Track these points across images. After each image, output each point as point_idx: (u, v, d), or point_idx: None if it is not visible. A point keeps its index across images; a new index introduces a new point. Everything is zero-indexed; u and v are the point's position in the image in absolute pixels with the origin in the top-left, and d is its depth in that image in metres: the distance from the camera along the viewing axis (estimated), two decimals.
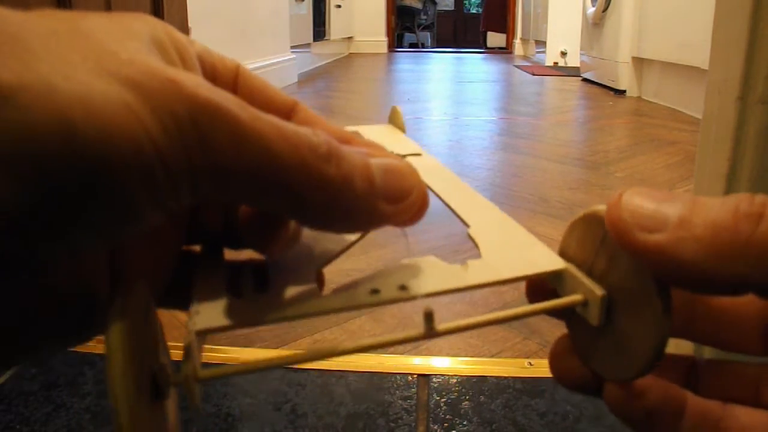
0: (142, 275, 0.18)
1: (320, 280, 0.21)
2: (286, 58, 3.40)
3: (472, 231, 0.23)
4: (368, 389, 0.71)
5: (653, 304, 0.17)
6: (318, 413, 0.67)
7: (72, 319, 0.17)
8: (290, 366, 0.74)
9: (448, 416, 0.67)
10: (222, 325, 0.18)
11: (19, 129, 0.12)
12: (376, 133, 0.37)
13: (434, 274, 0.20)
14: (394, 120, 0.39)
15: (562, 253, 0.21)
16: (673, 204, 0.16)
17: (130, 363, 0.14)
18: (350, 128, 0.38)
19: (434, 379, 0.73)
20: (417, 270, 0.20)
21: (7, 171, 0.12)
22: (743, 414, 0.19)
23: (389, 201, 0.18)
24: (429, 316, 0.18)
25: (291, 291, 0.20)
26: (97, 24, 0.15)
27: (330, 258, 0.22)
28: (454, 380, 0.72)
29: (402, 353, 0.78)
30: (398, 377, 0.73)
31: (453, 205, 0.26)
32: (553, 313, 0.20)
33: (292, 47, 3.57)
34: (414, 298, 0.19)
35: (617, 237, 0.17)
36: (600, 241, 0.19)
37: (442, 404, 0.69)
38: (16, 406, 0.67)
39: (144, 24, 0.17)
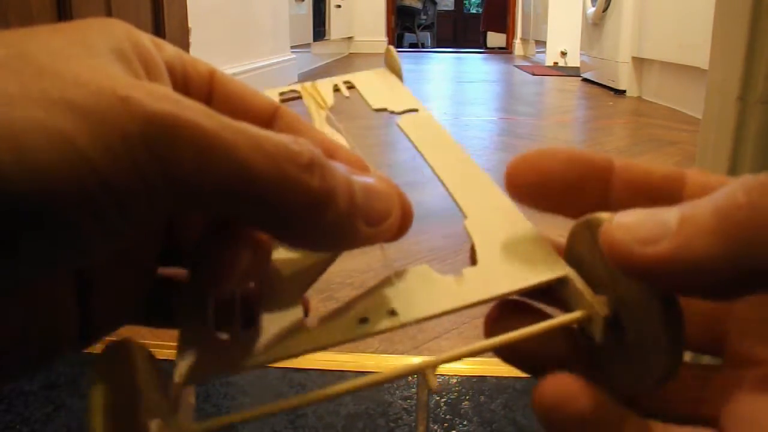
0: (112, 298, 0.18)
1: (305, 305, 0.20)
2: (286, 58, 3.40)
3: (468, 224, 0.21)
4: (368, 389, 0.71)
5: (661, 312, 0.16)
6: (318, 413, 0.67)
7: (31, 353, 0.16)
8: (290, 366, 0.74)
9: (448, 416, 0.67)
10: (211, 374, 0.17)
11: None
12: (370, 80, 0.35)
13: (426, 291, 0.19)
14: (390, 63, 0.36)
15: (569, 252, 0.19)
16: (669, 208, 0.15)
17: (111, 425, 0.14)
18: (343, 77, 0.36)
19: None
20: (407, 288, 0.19)
21: None
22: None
23: (368, 223, 0.17)
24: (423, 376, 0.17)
25: (278, 324, 0.19)
26: (45, 44, 0.14)
27: (312, 280, 0.21)
28: (454, 380, 0.72)
29: (402, 353, 0.78)
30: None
31: (451, 189, 0.24)
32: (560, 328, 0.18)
33: (292, 47, 3.57)
34: (404, 325, 0.18)
35: (616, 262, 0.15)
36: (600, 253, 0.17)
37: (442, 404, 0.69)
38: (16, 406, 0.67)
39: (103, 34, 0.16)
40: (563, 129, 2.40)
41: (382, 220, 0.17)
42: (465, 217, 0.22)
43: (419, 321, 0.18)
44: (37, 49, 0.14)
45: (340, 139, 0.29)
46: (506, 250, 0.20)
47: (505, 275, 0.19)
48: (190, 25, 1.77)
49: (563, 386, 0.16)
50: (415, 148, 0.27)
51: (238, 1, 2.70)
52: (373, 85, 0.35)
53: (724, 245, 0.13)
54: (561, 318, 0.18)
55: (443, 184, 0.24)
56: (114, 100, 0.13)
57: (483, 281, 0.19)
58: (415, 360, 0.18)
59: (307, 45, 4.18)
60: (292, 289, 0.20)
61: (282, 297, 0.20)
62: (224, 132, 0.14)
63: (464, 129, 2.32)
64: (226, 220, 0.17)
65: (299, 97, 0.34)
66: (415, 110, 0.31)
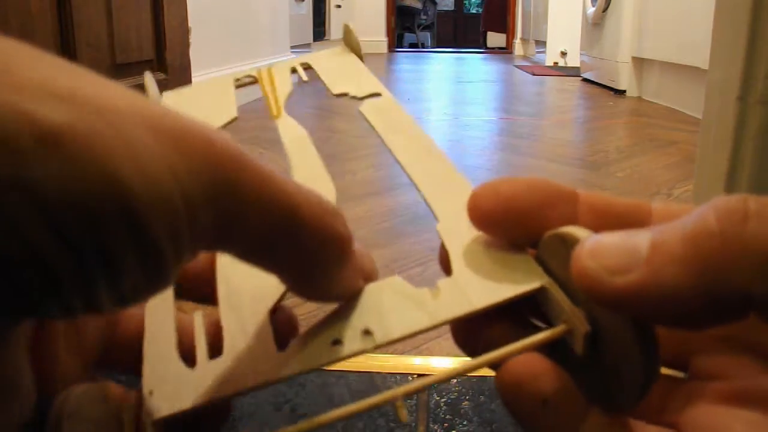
0: (69, 356, 0.18)
1: (290, 321, 0.20)
2: (286, 58, 3.40)
3: (441, 228, 0.21)
4: (368, 389, 0.71)
5: (634, 350, 0.15)
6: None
7: None
8: None
9: (448, 416, 0.67)
10: (179, 409, 0.17)
11: (66, 179, 0.11)
12: (329, 61, 0.33)
13: (401, 308, 0.18)
14: (349, 41, 0.34)
15: (540, 263, 0.18)
16: (641, 232, 0.14)
17: None
18: (301, 58, 0.35)
19: None
20: (381, 305, 0.18)
21: (49, 222, 0.11)
22: (650, 430, 0.17)
23: (363, 278, 0.19)
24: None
25: (247, 350, 0.18)
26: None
27: (276, 300, 0.20)
28: (454, 380, 0.72)
29: (402, 353, 0.78)
30: (398, 377, 0.73)
31: (422, 188, 0.23)
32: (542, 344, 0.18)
33: (292, 47, 3.57)
34: (378, 346, 0.18)
35: (587, 291, 0.15)
36: (566, 263, 0.17)
37: (442, 404, 0.69)
38: None
39: None
40: (563, 129, 2.40)
41: (371, 277, 0.19)
42: (437, 220, 0.21)
43: (394, 341, 0.18)
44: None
45: (302, 135, 0.28)
46: (481, 257, 0.19)
47: (481, 288, 0.18)
48: (190, 25, 1.76)
49: (527, 365, 0.17)
50: (380, 137, 0.27)
51: (238, 1, 2.70)
52: (333, 67, 0.33)
53: (695, 276, 0.13)
54: (544, 334, 0.17)
55: (409, 177, 0.24)
56: (200, 137, 0.13)
57: (459, 295, 0.18)
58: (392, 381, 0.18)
59: (307, 45, 4.18)
60: (257, 310, 0.20)
61: (249, 320, 0.19)
62: (281, 179, 0.15)
63: (464, 129, 2.32)
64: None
65: (254, 83, 0.33)
66: (378, 95, 0.29)
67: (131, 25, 1.41)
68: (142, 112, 0.13)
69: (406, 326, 0.18)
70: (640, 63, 3.15)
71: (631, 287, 0.14)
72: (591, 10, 3.58)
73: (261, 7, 3.01)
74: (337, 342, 0.18)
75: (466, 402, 0.69)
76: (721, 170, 0.52)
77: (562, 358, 0.18)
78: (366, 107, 0.29)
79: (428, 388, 0.18)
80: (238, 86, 0.33)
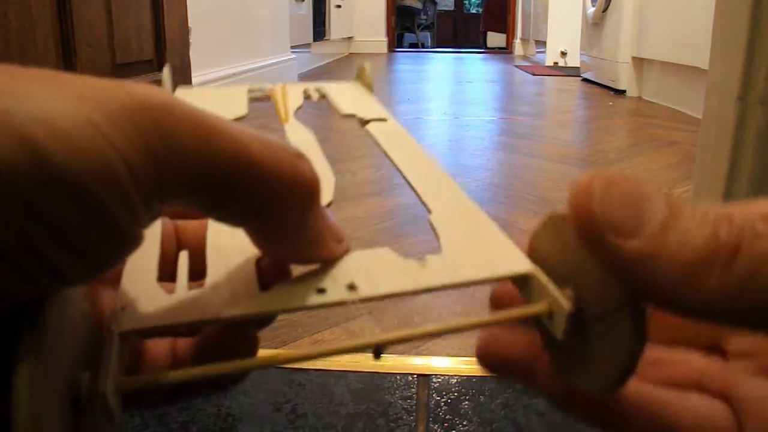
0: None
1: (268, 264, 0.20)
2: (286, 58, 3.40)
3: (433, 218, 0.21)
4: (368, 389, 0.71)
5: (623, 318, 0.15)
6: (318, 413, 0.67)
7: None
8: (285, 366, 0.74)
9: (448, 416, 0.67)
10: (149, 326, 0.17)
11: None
12: (343, 91, 0.35)
13: (387, 271, 0.18)
14: (362, 78, 0.37)
15: (532, 253, 0.19)
16: (652, 206, 0.14)
17: (39, 399, 0.13)
18: (315, 84, 0.37)
19: (434, 379, 0.73)
20: (369, 266, 0.19)
21: None
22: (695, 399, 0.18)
23: (335, 240, 0.19)
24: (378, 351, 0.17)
25: (229, 284, 0.18)
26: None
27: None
28: (454, 380, 0.72)
29: (402, 353, 0.78)
30: (398, 377, 0.73)
31: (417, 187, 0.24)
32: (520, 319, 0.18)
33: (292, 47, 3.57)
34: (362, 300, 0.18)
35: (586, 236, 0.15)
36: (567, 243, 0.17)
37: (442, 404, 0.69)
38: None
39: None
40: (563, 129, 2.40)
41: (342, 240, 0.19)
42: (429, 212, 0.22)
43: (378, 298, 0.18)
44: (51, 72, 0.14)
45: (309, 138, 0.30)
46: (470, 244, 0.20)
47: (468, 265, 0.19)
48: (190, 25, 1.76)
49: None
50: (383, 150, 0.28)
51: (238, 1, 2.70)
52: (345, 95, 0.35)
53: (687, 281, 0.13)
54: (525, 308, 0.18)
55: (408, 183, 0.24)
56: (123, 94, 0.13)
57: (445, 268, 0.18)
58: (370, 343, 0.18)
59: (307, 45, 4.18)
60: (244, 255, 0.20)
61: (234, 256, 0.19)
62: (221, 121, 0.15)
63: (464, 129, 2.32)
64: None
65: (268, 98, 0.35)
66: (384, 120, 0.31)
67: (131, 25, 1.41)
68: (59, 85, 0.13)
69: (393, 286, 0.18)
70: (640, 63, 3.15)
71: (631, 254, 0.14)
72: (591, 10, 3.58)
73: (261, 7, 3.01)
74: (322, 291, 0.18)
75: (466, 402, 0.69)
76: (721, 170, 0.52)
77: (546, 344, 0.18)
78: (372, 127, 0.30)
79: (409, 339, 0.18)
80: (251, 99, 0.34)
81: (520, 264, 0.19)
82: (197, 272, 0.20)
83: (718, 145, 0.52)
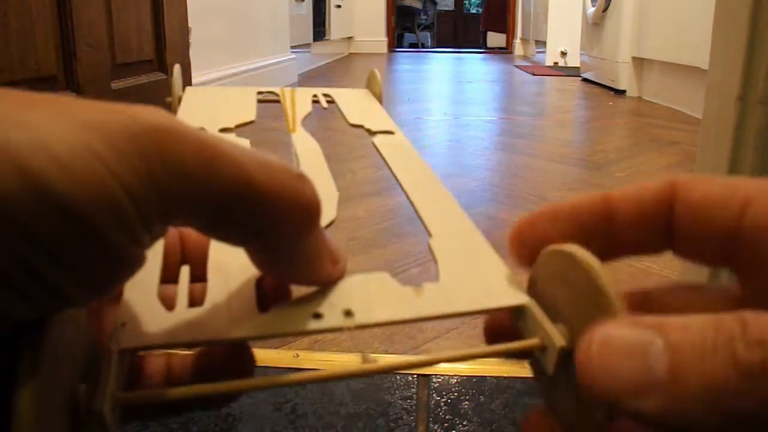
0: None
1: (268, 284, 0.20)
2: (286, 58, 3.40)
3: (433, 243, 0.22)
4: (368, 389, 0.71)
5: None
6: (318, 413, 0.67)
7: None
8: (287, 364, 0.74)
9: (448, 416, 0.67)
10: (149, 344, 0.17)
11: None
12: (351, 99, 0.36)
13: (384, 298, 0.18)
14: (372, 85, 0.37)
15: (531, 285, 0.19)
16: (653, 348, 0.14)
17: (40, 421, 0.13)
18: (324, 90, 0.37)
19: (434, 379, 0.73)
20: (366, 292, 0.19)
21: None
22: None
23: (332, 261, 0.19)
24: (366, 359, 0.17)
25: (228, 305, 0.18)
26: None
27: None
28: (454, 380, 0.72)
29: (402, 353, 0.78)
30: (398, 377, 0.73)
31: (419, 209, 0.24)
32: (513, 353, 0.18)
33: (292, 47, 3.57)
34: (358, 327, 0.18)
35: (603, 399, 0.14)
36: (563, 279, 0.17)
37: (442, 404, 0.69)
38: None
39: None
40: (563, 129, 2.40)
41: (338, 261, 0.19)
42: (430, 236, 0.22)
43: (374, 325, 0.18)
44: (48, 96, 0.14)
45: (314, 148, 0.30)
46: (468, 272, 0.20)
47: (464, 295, 0.19)
48: (190, 25, 1.76)
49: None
50: (387, 165, 0.28)
51: (238, 1, 2.70)
52: (353, 103, 0.35)
53: (718, 418, 0.13)
54: (518, 343, 0.18)
55: (411, 203, 0.25)
56: (125, 118, 0.13)
57: (442, 297, 0.19)
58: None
59: (307, 45, 4.18)
60: (244, 274, 0.20)
61: (235, 274, 0.20)
62: (223, 144, 0.15)
63: (464, 129, 2.32)
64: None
65: (277, 101, 0.35)
66: (391, 132, 0.31)
67: (131, 25, 1.41)
68: (60, 112, 0.13)
69: (388, 314, 0.18)
70: (640, 63, 3.15)
71: (650, 411, 0.13)
72: (591, 10, 3.58)
73: (261, 7, 3.01)
74: (318, 316, 0.18)
75: (466, 402, 0.69)
76: (721, 170, 0.52)
77: (538, 378, 0.18)
78: (378, 140, 0.31)
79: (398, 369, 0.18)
80: (260, 100, 0.35)
81: (516, 296, 0.19)
82: (200, 277, 0.21)
83: (718, 145, 0.52)
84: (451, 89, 3.79)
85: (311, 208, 0.16)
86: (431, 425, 0.65)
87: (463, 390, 0.71)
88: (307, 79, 3.77)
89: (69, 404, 0.15)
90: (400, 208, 1.33)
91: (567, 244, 0.17)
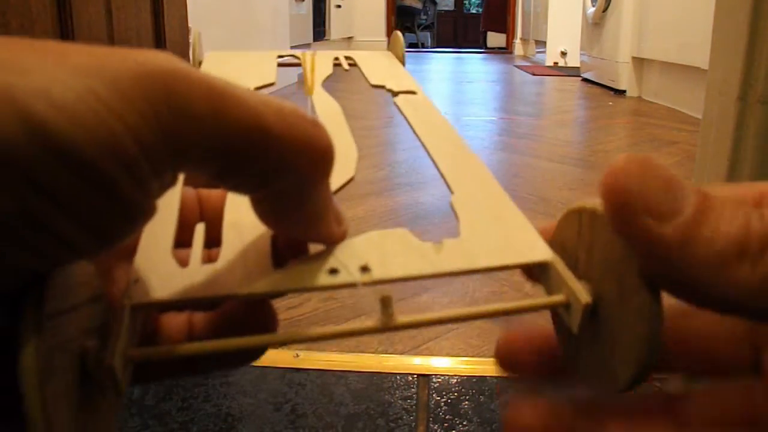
0: None
1: (283, 241, 0.19)
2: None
3: (455, 200, 0.21)
4: (368, 389, 0.71)
5: (641, 303, 0.15)
6: (318, 413, 0.67)
7: None
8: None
9: (448, 416, 0.67)
10: (161, 299, 0.16)
11: None
12: (373, 60, 0.35)
13: (402, 253, 0.18)
14: (394, 47, 0.36)
15: (551, 244, 0.18)
16: (686, 193, 0.14)
17: (47, 380, 0.13)
18: (345, 52, 0.37)
19: (434, 379, 0.73)
20: (384, 247, 0.18)
21: None
22: None
23: (336, 221, 0.18)
24: (387, 302, 0.16)
25: (243, 261, 0.18)
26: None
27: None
28: (454, 380, 0.72)
29: (402, 353, 0.78)
30: (398, 377, 0.73)
31: (441, 166, 0.23)
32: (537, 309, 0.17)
33: (292, 47, 3.57)
34: (375, 283, 0.17)
35: (619, 215, 0.14)
36: (586, 236, 0.17)
37: (442, 404, 0.69)
38: None
39: None
40: (563, 129, 2.40)
41: (342, 222, 0.18)
42: (452, 193, 0.22)
43: (392, 280, 0.17)
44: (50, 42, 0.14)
45: (331, 102, 0.30)
46: (490, 228, 0.19)
47: (485, 251, 0.18)
48: (190, 25, 1.76)
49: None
50: (410, 125, 0.27)
51: (238, 1, 2.70)
52: (375, 64, 0.35)
53: (717, 268, 0.13)
54: (542, 299, 0.17)
55: (433, 161, 0.24)
56: (131, 61, 0.13)
57: (462, 253, 0.18)
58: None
59: (307, 45, 4.18)
60: (259, 231, 0.19)
61: (250, 231, 0.19)
62: (233, 88, 0.14)
63: (464, 129, 2.32)
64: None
65: (298, 64, 0.35)
66: (413, 93, 0.30)
67: (131, 25, 1.41)
68: (62, 57, 0.12)
69: (407, 269, 0.17)
70: (640, 63, 3.15)
71: (665, 238, 0.14)
72: (591, 9, 3.58)
73: (261, 7, 3.01)
74: (334, 271, 0.17)
75: (466, 402, 0.69)
76: (721, 170, 0.52)
77: (561, 338, 0.18)
78: (400, 100, 0.30)
79: (422, 324, 0.17)
80: (280, 64, 0.34)
81: (540, 252, 0.18)
82: (215, 240, 0.20)
83: (718, 145, 0.52)
84: (451, 89, 3.78)
85: (325, 153, 0.16)
86: (431, 425, 0.65)
87: (463, 390, 0.71)
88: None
89: (77, 362, 0.14)
90: (400, 208, 1.33)
91: (587, 201, 0.17)
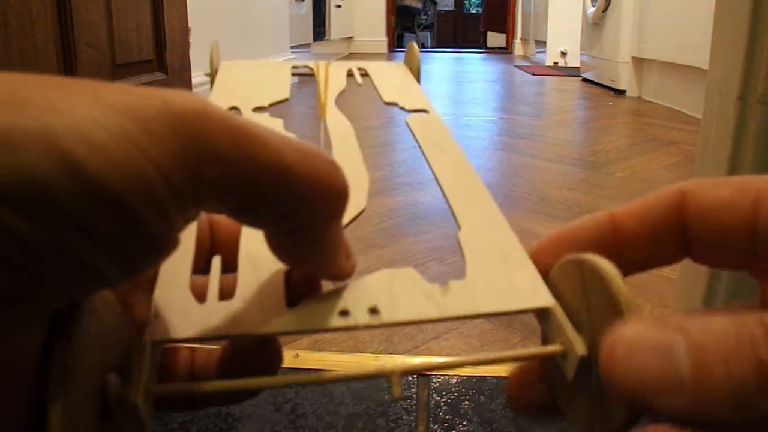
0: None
1: (296, 278, 0.20)
2: (286, 58, 3.40)
3: (462, 236, 0.22)
4: (368, 389, 0.71)
5: None
6: (318, 413, 0.67)
7: None
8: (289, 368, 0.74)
9: (448, 416, 0.67)
10: (182, 337, 0.17)
11: (20, 171, 0.12)
12: (387, 74, 0.35)
13: (410, 295, 0.19)
14: (410, 60, 0.36)
15: (551, 285, 0.19)
16: (678, 351, 0.14)
17: (71, 413, 0.13)
18: (358, 64, 0.36)
19: (434, 379, 0.73)
20: (392, 287, 0.19)
21: (20, 211, 0.12)
22: None
23: (346, 256, 0.19)
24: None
25: (258, 298, 0.18)
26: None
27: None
28: (454, 380, 0.72)
29: (402, 353, 0.78)
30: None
31: (450, 197, 0.24)
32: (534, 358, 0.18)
33: (292, 47, 3.57)
34: (384, 325, 0.18)
35: (626, 399, 0.15)
36: (583, 291, 0.17)
37: (442, 404, 0.69)
38: None
39: None
40: (563, 129, 2.40)
41: (350, 257, 0.19)
42: (459, 228, 0.22)
43: (399, 324, 0.18)
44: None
45: (343, 122, 0.30)
46: (495, 271, 0.20)
47: (490, 295, 0.19)
48: (190, 25, 1.76)
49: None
50: (420, 148, 0.28)
51: (238, 1, 2.70)
52: (388, 78, 0.34)
53: (741, 414, 0.13)
54: (539, 349, 0.18)
55: (441, 190, 0.24)
56: (159, 102, 0.14)
57: (468, 296, 0.19)
58: (388, 359, 0.18)
59: (307, 45, 4.18)
60: (274, 267, 0.20)
61: (265, 265, 0.20)
62: (255, 127, 0.15)
63: (464, 129, 2.32)
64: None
65: (311, 74, 0.35)
66: (425, 111, 0.30)
67: (131, 25, 1.41)
68: (95, 97, 0.13)
69: (414, 312, 0.18)
70: (640, 63, 3.15)
71: (677, 410, 0.14)
72: (591, 10, 3.58)
73: (261, 7, 3.01)
74: (345, 313, 0.18)
75: (466, 402, 0.69)
76: (721, 170, 0.52)
77: (556, 385, 0.18)
78: (411, 119, 0.30)
79: (427, 369, 0.18)
80: (294, 74, 0.34)
81: (542, 298, 0.19)
82: (228, 264, 0.21)
83: (718, 145, 0.52)
84: (451, 89, 3.78)
85: (341, 195, 0.17)
86: (431, 425, 0.65)
87: (463, 390, 0.71)
88: (307, 79, 3.75)
89: (98, 395, 0.15)
90: (400, 208, 1.33)
91: (583, 254, 0.17)
